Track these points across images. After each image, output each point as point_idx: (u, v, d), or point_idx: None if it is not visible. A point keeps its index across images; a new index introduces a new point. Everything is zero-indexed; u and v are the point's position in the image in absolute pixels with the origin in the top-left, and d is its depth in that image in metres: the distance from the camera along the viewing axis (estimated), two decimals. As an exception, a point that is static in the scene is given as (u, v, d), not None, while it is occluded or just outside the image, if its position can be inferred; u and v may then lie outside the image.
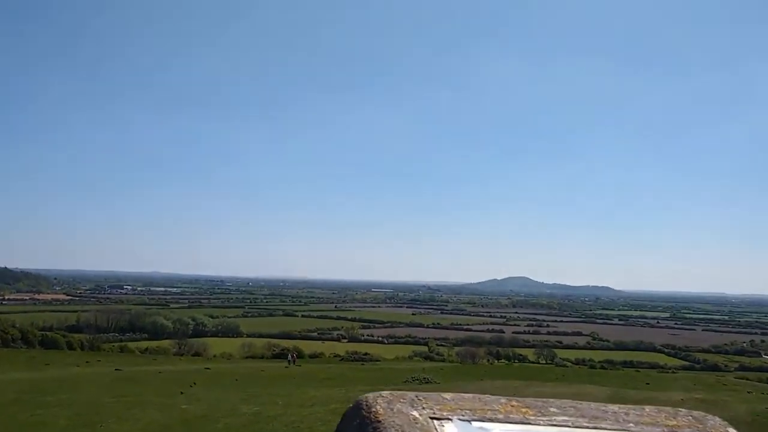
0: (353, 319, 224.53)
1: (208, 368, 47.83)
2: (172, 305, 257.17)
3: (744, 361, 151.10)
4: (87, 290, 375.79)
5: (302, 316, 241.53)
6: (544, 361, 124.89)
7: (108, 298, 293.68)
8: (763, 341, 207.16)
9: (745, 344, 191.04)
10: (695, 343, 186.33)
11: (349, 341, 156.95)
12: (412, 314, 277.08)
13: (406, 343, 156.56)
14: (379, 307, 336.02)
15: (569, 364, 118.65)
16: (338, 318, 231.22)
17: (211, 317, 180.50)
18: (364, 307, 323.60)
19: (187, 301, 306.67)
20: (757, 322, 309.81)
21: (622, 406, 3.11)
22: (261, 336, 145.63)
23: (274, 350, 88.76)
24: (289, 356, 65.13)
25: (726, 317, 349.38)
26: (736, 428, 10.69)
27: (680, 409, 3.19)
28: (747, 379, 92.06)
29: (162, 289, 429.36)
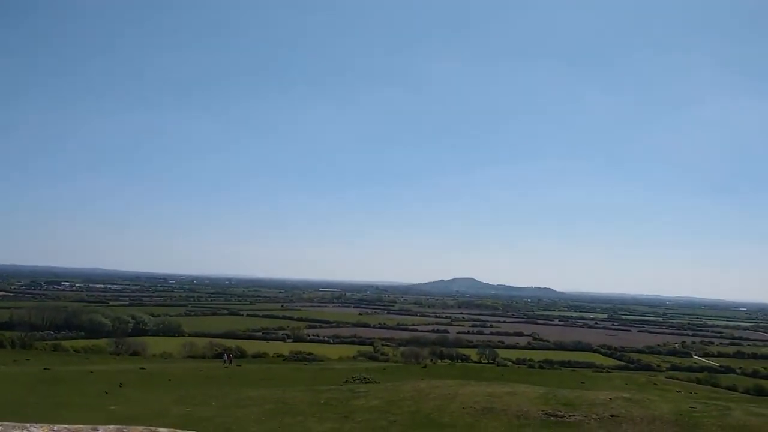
0: (299, 319, 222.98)
1: (143, 368, 46.57)
2: (111, 303, 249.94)
3: (676, 362, 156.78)
4: (22, 286, 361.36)
5: (247, 315, 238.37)
6: (485, 361, 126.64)
7: (44, 295, 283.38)
8: (694, 342, 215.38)
9: (677, 345, 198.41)
10: (631, 343, 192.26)
11: (294, 341, 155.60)
12: (359, 314, 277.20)
13: (352, 343, 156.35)
14: (326, 306, 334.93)
15: (510, 363, 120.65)
16: (284, 317, 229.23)
17: (153, 315, 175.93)
18: (311, 306, 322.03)
19: (127, 298, 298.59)
20: (689, 324, 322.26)
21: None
22: (204, 335, 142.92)
23: (216, 350, 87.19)
24: (225, 356, 63.93)
25: (660, 319, 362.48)
26: (660, 427, 10.86)
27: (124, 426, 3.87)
28: (677, 379, 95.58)
29: (102, 286, 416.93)
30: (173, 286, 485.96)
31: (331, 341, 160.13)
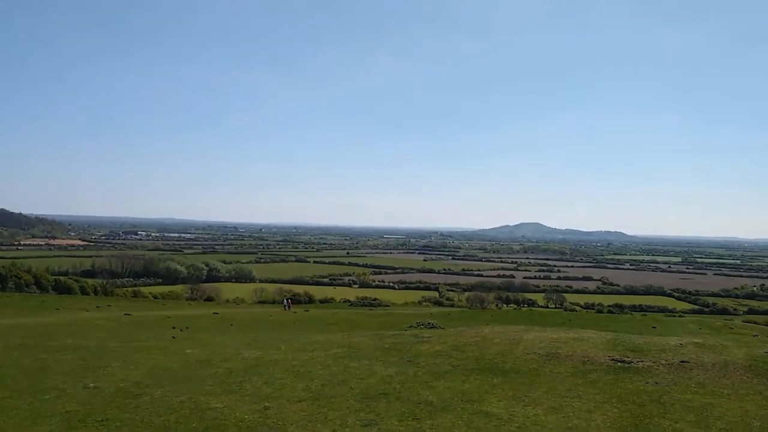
0: (365, 265, 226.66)
1: (216, 313, 48.51)
2: (186, 251, 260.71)
3: (754, 305, 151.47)
4: (102, 236, 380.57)
5: (314, 262, 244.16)
6: (552, 306, 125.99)
7: (123, 244, 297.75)
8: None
9: (755, 288, 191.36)
10: (706, 287, 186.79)
11: (360, 287, 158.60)
12: (424, 260, 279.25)
13: (417, 288, 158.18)
14: (390, 253, 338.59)
15: (578, 308, 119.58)
16: (350, 264, 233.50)
17: (225, 263, 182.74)
18: (376, 253, 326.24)
19: (200, 246, 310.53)
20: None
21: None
22: (274, 281, 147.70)
23: (285, 295, 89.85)
24: (285, 302, 65.47)
25: (738, 261, 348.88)
26: (732, 373, 10.46)
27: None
28: (755, 323, 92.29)
29: (176, 235, 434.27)
30: (243, 234, 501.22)
31: (396, 287, 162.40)
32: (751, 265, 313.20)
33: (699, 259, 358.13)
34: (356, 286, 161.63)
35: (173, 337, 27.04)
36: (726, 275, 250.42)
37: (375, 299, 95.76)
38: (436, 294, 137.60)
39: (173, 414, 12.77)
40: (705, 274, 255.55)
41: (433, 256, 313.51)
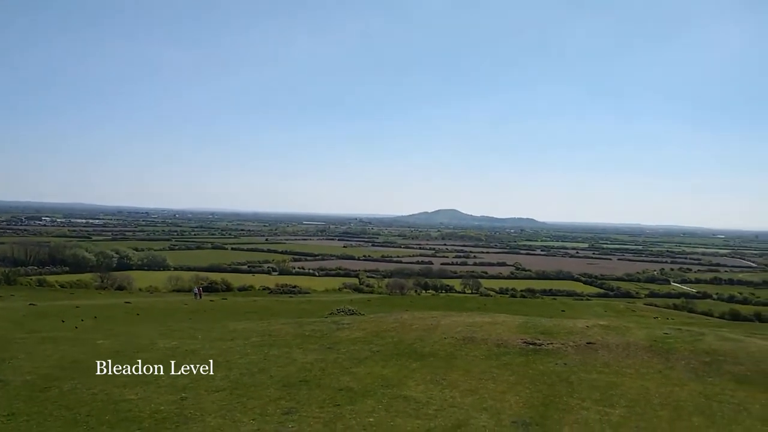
0: (284, 252, 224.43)
1: (128, 302, 46.92)
2: (94, 237, 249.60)
3: (654, 288, 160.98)
4: (3, 221, 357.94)
5: (232, 249, 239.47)
6: (469, 291, 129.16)
7: (26, 230, 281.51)
8: (672, 269, 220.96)
9: (656, 272, 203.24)
10: (611, 271, 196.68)
11: (279, 274, 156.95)
12: (344, 247, 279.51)
13: (337, 275, 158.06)
14: (310, 239, 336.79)
15: (493, 293, 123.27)
16: (269, 251, 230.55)
17: (137, 250, 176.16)
18: (296, 240, 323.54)
19: (110, 233, 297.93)
20: (668, 251, 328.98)
21: None
22: (189, 269, 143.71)
23: (201, 283, 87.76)
24: (195, 290, 64.04)
25: (640, 247, 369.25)
26: (634, 353, 11.18)
27: None
28: (655, 306, 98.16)
29: (83, 220, 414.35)
30: (156, 220, 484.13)
31: (317, 274, 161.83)
32: (651, 251, 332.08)
33: (605, 245, 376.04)
34: (276, 273, 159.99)
35: (77, 328, 26.03)
36: (629, 260, 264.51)
37: (295, 286, 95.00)
38: (356, 281, 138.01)
39: (85, 407, 12.35)
40: (610, 259, 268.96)
41: (353, 243, 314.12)
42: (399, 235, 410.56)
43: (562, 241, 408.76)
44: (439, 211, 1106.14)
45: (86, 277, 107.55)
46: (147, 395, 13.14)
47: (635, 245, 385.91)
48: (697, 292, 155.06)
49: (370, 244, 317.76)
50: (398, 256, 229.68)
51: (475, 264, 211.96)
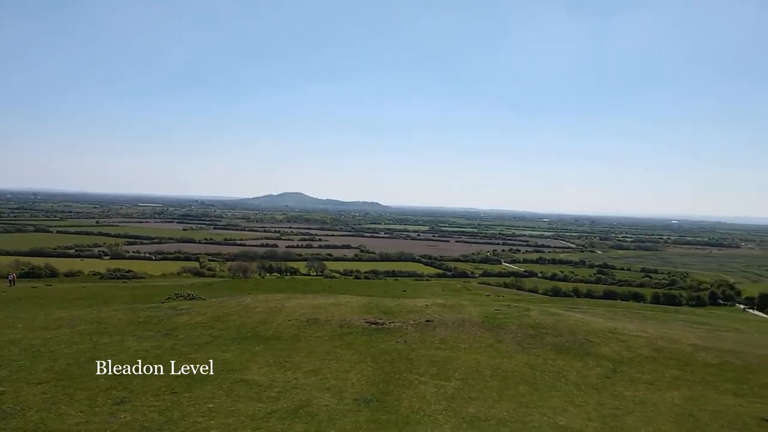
0: (117, 235, 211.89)
1: (-68, 292, 41.67)
2: None
3: (487, 268, 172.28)
4: None
5: (58, 231, 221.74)
6: (314, 273, 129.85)
7: None
8: (503, 250, 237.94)
9: (489, 253, 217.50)
10: (449, 253, 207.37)
11: (112, 258, 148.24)
12: (184, 230, 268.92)
13: (176, 259, 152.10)
14: (147, 222, 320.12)
15: (337, 275, 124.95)
16: (100, 234, 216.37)
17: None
18: (130, 222, 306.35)
19: None
20: (500, 234, 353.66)
21: None
22: (8, 254, 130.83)
23: (22, 269, 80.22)
24: (10, 276, 58.42)
25: (475, 230, 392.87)
26: (468, 329, 11.78)
27: None
28: (488, 284, 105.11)
29: None
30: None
31: (154, 258, 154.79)
32: (485, 233, 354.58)
33: (444, 228, 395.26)
34: (108, 257, 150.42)
35: None
36: (465, 242, 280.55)
37: (129, 271, 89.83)
38: (196, 264, 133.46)
39: None
40: (448, 241, 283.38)
41: (194, 226, 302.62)
42: (243, 218, 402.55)
43: (405, 224, 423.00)
44: (284, 194, 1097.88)
45: None
46: (-47, 393, 11.75)
47: (471, 228, 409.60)
48: (524, 271, 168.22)
49: (212, 227, 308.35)
50: (242, 239, 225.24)
51: (320, 247, 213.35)
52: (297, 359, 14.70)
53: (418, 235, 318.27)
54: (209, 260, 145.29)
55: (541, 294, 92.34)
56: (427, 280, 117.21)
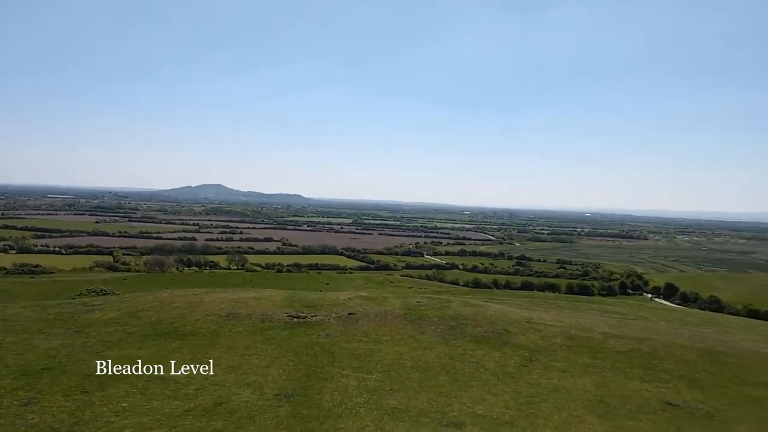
0: (24, 228, 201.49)
1: None
2: None
3: (410, 261, 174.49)
4: None
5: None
6: (235, 267, 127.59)
7: None
8: (426, 243, 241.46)
9: (412, 246, 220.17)
10: (372, 246, 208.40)
11: (18, 252, 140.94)
12: (96, 222, 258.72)
13: (88, 253, 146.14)
14: (56, 214, 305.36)
15: (259, 269, 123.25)
16: (5, 227, 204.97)
17: None
18: (38, 214, 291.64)
19: None
20: (422, 226, 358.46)
21: None
22: None
23: None
24: None
25: (398, 223, 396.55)
26: (391, 322, 11.83)
27: None
28: (411, 276, 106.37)
29: None
30: None
31: (64, 251, 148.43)
32: (408, 226, 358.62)
33: (367, 221, 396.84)
34: (14, 251, 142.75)
35: None
36: (389, 235, 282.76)
37: (37, 266, 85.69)
38: (110, 258, 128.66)
39: None
40: (372, 234, 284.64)
41: (107, 218, 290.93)
42: (159, 210, 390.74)
43: (328, 217, 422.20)
44: (203, 185, 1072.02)
45: None
46: None
47: (394, 221, 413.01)
48: (446, 264, 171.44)
49: (127, 219, 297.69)
50: (158, 233, 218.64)
51: (241, 240, 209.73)
52: (216, 355, 14.38)
53: (342, 227, 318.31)
54: (124, 254, 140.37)
55: (462, 286, 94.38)
56: (350, 273, 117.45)
